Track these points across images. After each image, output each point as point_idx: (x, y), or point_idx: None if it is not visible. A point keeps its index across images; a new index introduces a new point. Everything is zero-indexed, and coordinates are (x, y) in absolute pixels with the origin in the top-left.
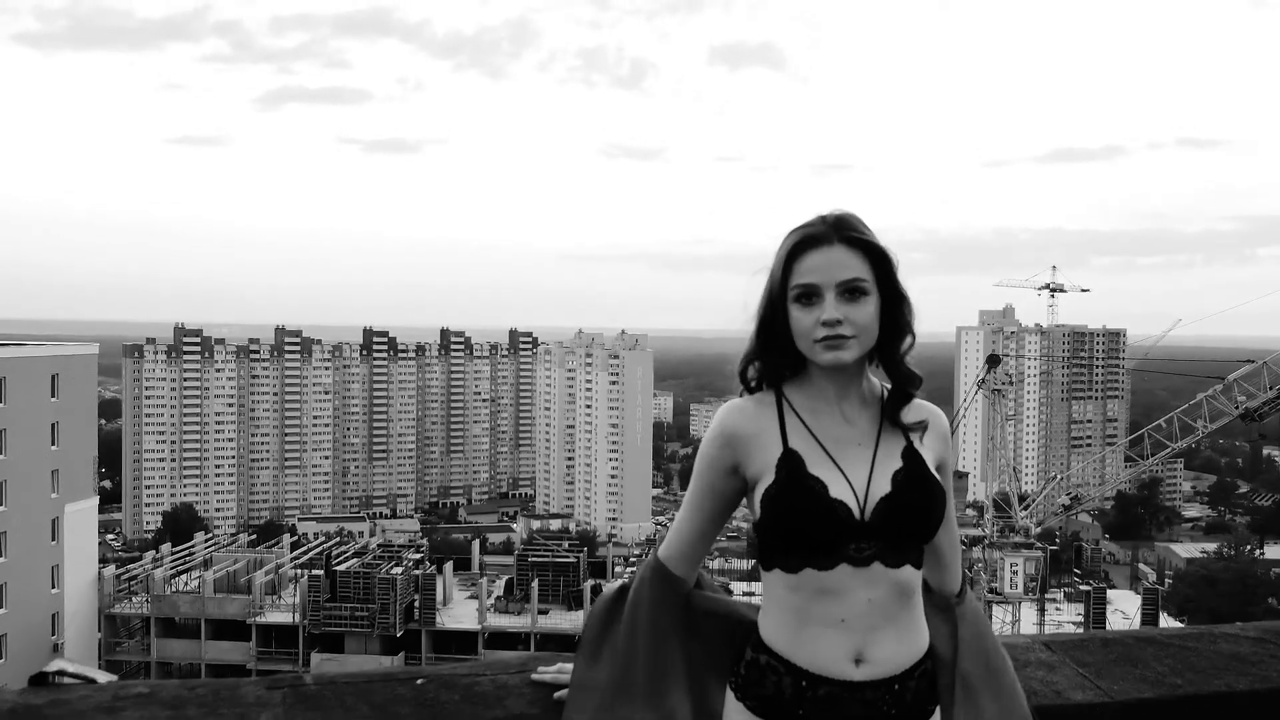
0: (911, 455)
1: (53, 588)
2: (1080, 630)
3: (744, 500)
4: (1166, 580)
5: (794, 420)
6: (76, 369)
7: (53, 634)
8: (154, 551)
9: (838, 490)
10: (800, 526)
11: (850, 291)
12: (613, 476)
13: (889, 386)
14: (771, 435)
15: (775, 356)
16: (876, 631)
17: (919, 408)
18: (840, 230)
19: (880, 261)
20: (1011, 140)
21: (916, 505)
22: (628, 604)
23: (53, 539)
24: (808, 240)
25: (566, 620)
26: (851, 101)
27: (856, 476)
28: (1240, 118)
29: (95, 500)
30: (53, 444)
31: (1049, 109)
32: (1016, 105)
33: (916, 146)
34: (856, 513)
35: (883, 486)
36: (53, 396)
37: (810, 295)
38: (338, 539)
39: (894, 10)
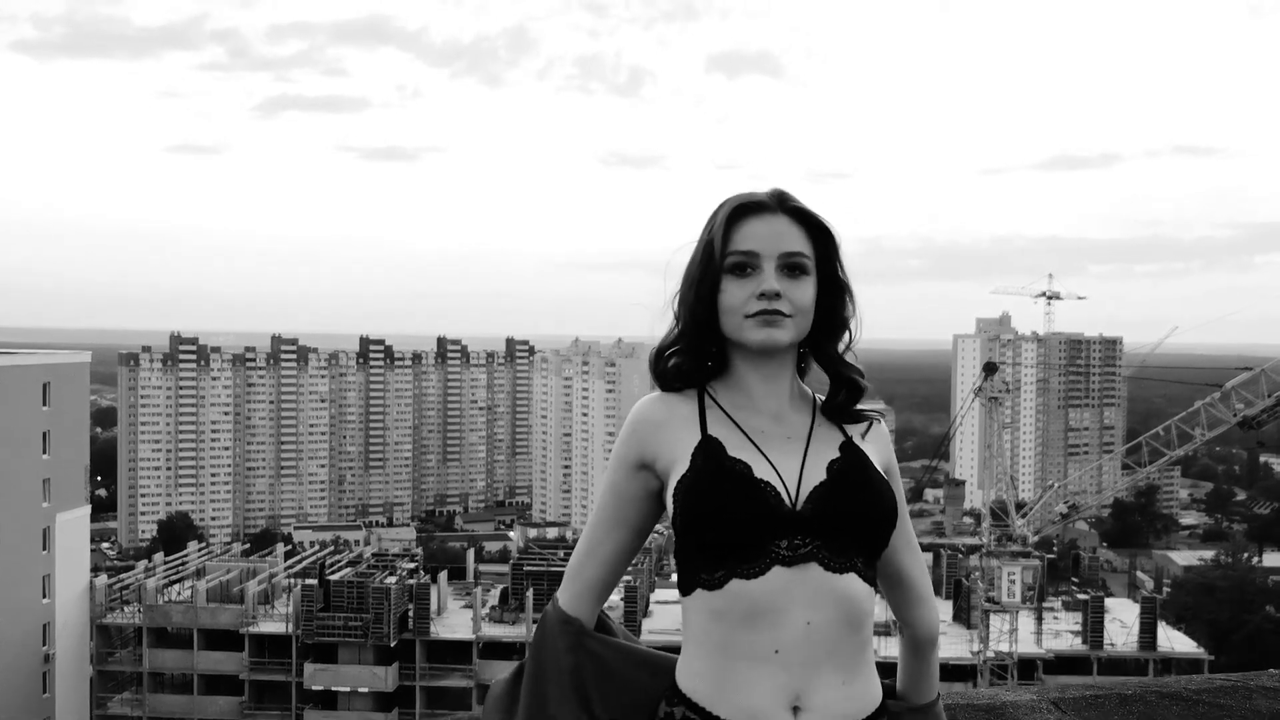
0: (850, 448)
1: (44, 597)
2: (1079, 637)
3: (660, 520)
4: (1164, 588)
5: (716, 412)
6: (68, 377)
7: (44, 644)
8: (146, 561)
9: (764, 473)
10: (721, 516)
11: (791, 268)
12: None
13: (822, 397)
14: (688, 423)
15: (701, 338)
16: (817, 669)
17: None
18: (784, 202)
19: (823, 241)
20: (1009, 148)
21: (857, 497)
22: (527, 671)
23: (44, 548)
24: (749, 206)
25: None
26: (849, 109)
27: (786, 464)
28: (1237, 125)
29: (87, 509)
30: (44, 453)
31: (1046, 117)
32: (1014, 113)
33: (914, 154)
34: (787, 499)
35: (817, 474)
36: (44, 405)
37: (746, 267)
38: (332, 548)
39: (891, 18)
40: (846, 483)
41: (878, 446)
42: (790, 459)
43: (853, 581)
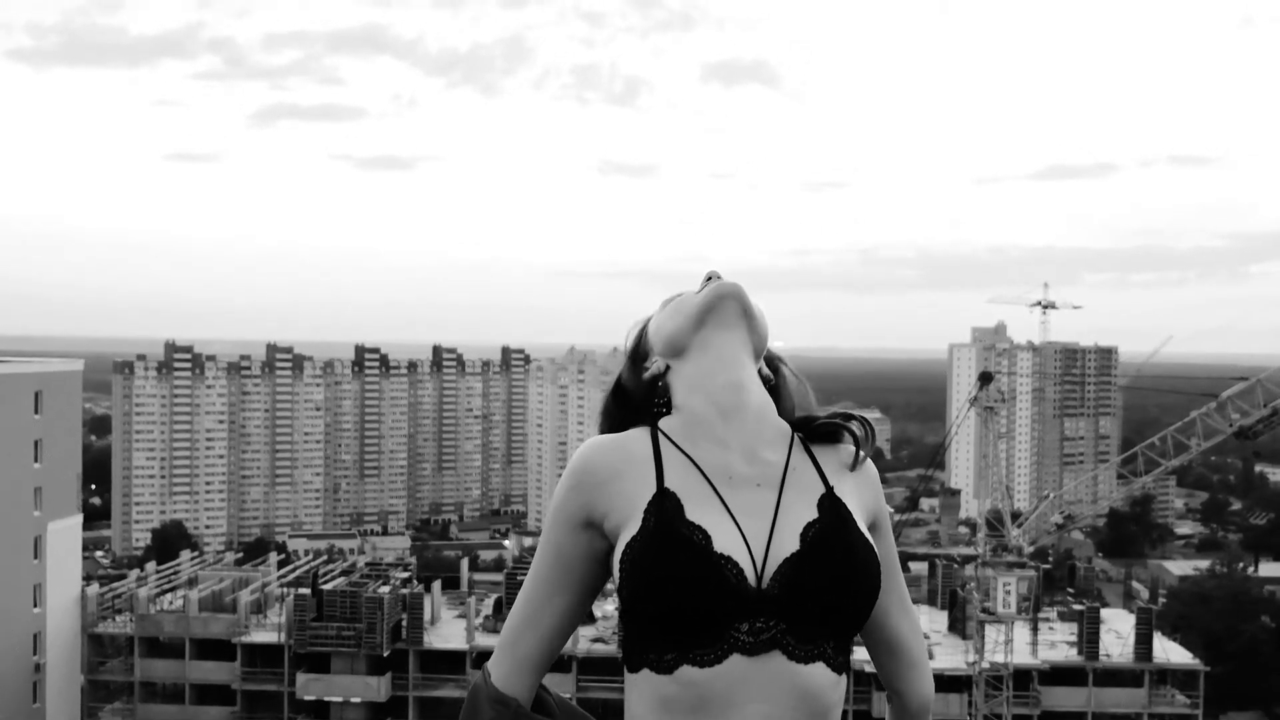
0: (832, 505)
1: (35, 607)
2: (1075, 648)
3: (609, 580)
4: (1160, 598)
5: (674, 454)
6: (61, 385)
7: (34, 653)
8: (139, 570)
9: (726, 543)
10: (672, 594)
11: None
12: None
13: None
14: (642, 472)
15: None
16: None
17: (843, 447)
18: None
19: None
20: (1004, 157)
21: (834, 574)
22: None
23: (35, 557)
24: None
25: None
26: (845, 119)
27: (754, 528)
28: (1231, 135)
29: (79, 518)
30: (35, 461)
31: (1041, 127)
32: (1009, 123)
33: (909, 163)
34: (751, 576)
35: (789, 543)
36: (36, 413)
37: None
38: (326, 556)
39: (888, 28)
40: (823, 554)
41: (863, 492)
42: (759, 517)
43: (819, 672)
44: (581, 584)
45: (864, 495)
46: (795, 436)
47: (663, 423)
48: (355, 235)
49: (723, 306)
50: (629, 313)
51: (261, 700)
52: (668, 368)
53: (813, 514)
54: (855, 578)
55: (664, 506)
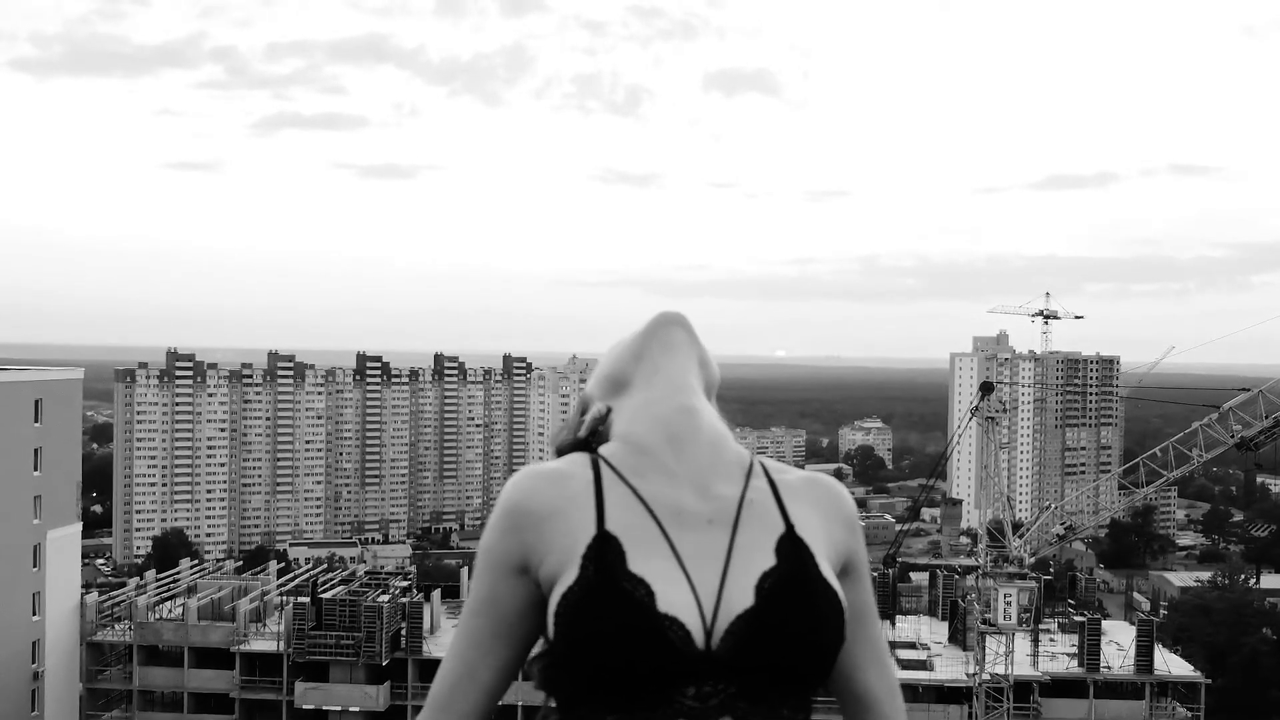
0: (793, 548)
1: (34, 615)
2: (1075, 660)
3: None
4: (1161, 610)
5: (617, 487)
6: (61, 394)
7: (33, 662)
8: (138, 578)
9: (672, 599)
10: (609, 656)
11: None
12: None
13: (763, 460)
14: (582, 510)
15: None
16: None
17: (812, 478)
18: None
19: None
20: (1005, 167)
21: (792, 630)
22: None
23: (34, 565)
24: None
25: None
26: (846, 128)
27: (704, 576)
28: (1232, 145)
29: (78, 526)
30: (35, 469)
31: (1042, 136)
32: (1010, 132)
33: (910, 173)
34: (699, 637)
35: (742, 597)
36: (36, 421)
37: None
38: (326, 565)
39: (889, 37)
40: (780, 609)
41: (832, 529)
42: (709, 563)
43: None
44: (521, 635)
45: (834, 533)
46: (755, 464)
47: (605, 449)
48: (357, 244)
49: (667, 332)
50: (631, 321)
51: (260, 709)
52: (609, 410)
53: (770, 560)
54: (815, 635)
55: (604, 554)
